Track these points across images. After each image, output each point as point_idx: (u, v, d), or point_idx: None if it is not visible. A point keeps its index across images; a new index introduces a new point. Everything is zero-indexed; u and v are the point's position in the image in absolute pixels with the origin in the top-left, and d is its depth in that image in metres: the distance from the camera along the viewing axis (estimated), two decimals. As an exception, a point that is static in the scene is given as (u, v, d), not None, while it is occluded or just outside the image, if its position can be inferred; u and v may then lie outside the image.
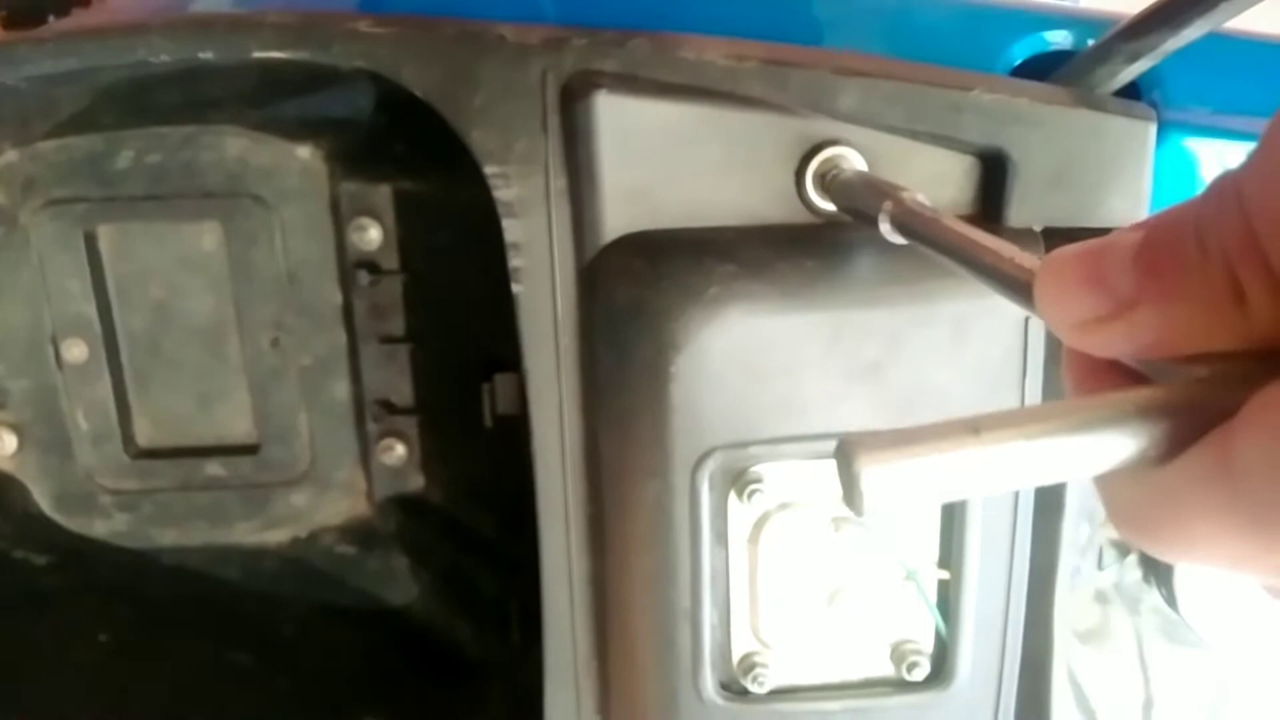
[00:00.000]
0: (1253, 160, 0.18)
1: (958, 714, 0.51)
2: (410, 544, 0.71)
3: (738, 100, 0.45)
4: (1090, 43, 0.50)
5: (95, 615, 0.69)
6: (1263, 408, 0.17)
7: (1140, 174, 0.45)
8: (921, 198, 0.38)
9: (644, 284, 0.45)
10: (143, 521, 0.68)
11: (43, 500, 0.67)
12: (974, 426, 0.19)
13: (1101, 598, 0.58)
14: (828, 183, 0.45)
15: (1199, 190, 0.19)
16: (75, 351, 0.63)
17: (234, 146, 0.60)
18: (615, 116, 0.44)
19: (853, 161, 0.45)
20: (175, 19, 0.47)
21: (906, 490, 0.19)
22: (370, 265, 0.63)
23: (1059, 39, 0.52)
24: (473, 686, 0.68)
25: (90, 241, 0.61)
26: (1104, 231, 0.22)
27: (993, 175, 0.46)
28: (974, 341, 0.46)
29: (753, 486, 0.47)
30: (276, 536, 0.69)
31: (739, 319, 0.45)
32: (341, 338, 0.64)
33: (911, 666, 0.50)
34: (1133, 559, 0.58)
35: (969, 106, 0.45)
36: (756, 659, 0.50)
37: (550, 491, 0.50)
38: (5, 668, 0.65)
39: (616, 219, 0.46)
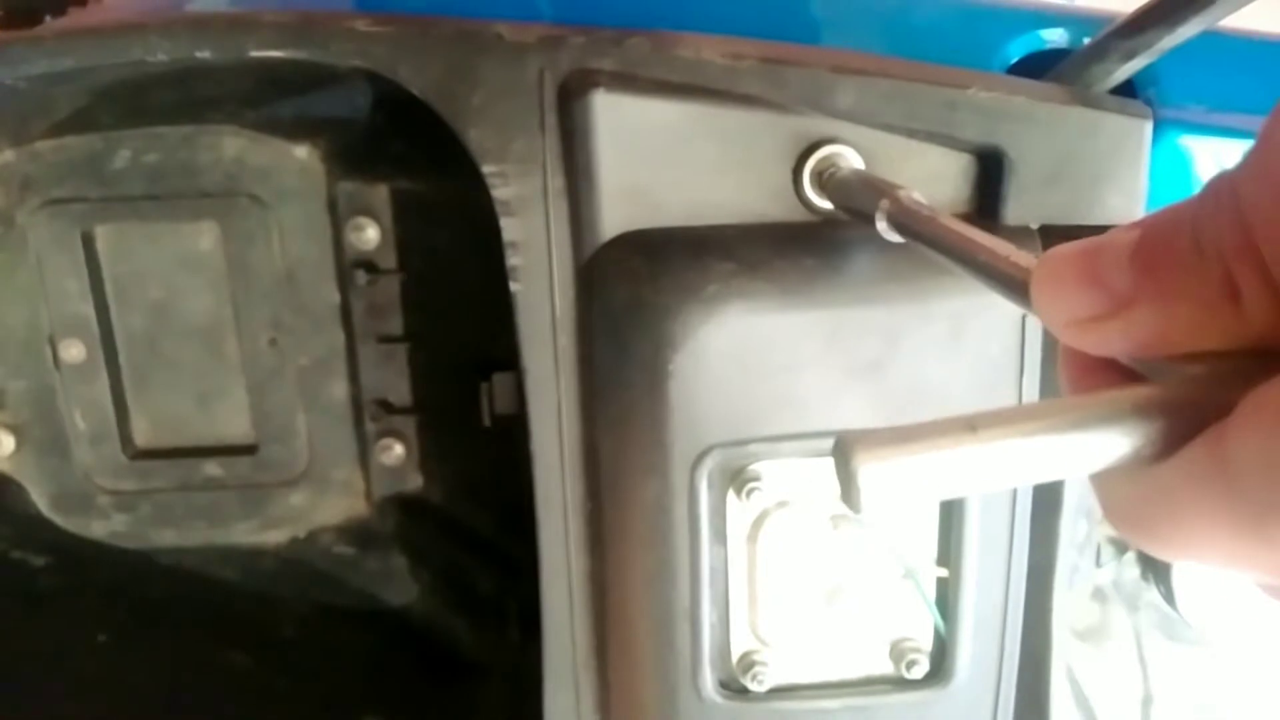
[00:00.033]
0: (1249, 160, 0.18)
1: (957, 711, 0.51)
2: (409, 544, 0.71)
3: (735, 99, 0.45)
4: (1086, 41, 0.50)
5: (93, 616, 0.69)
6: (1257, 406, 0.17)
7: (1136, 171, 0.45)
8: (918, 196, 0.38)
9: (642, 282, 0.45)
10: (141, 522, 0.68)
11: (41, 501, 0.67)
12: (971, 424, 0.19)
13: (1100, 595, 0.59)
14: (825, 181, 0.45)
15: (1195, 187, 0.19)
16: (73, 352, 0.63)
17: (231, 146, 0.60)
18: (613, 115, 0.44)
19: (850, 160, 0.45)
20: (172, 18, 0.47)
21: (904, 488, 0.19)
22: (368, 265, 0.63)
23: (1055, 37, 0.52)
24: (472, 686, 0.68)
25: (88, 241, 0.61)
26: (1101, 229, 0.22)
27: (989, 173, 0.46)
28: (972, 339, 0.46)
29: (751, 485, 0.47)
30: (275, 537, 0.69)
31: (737, 317, 0.45)
32: (339, 337, 0.64)
33: (911, 664, 0.50)
34: (1131, 556, 0.58)
35: (965, 104, 0.45)
36: (756, 657, 0.50)
37: (549, 490, 0.50)
38: (3, 668, 0.65)
39: (614, 217, 0.46)
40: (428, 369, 0.66)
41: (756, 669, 0.50)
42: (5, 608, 0.67)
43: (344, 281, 0.63)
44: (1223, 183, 0.19)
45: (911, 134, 0.46)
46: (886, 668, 0.51)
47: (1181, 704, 0.59)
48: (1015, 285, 0.27)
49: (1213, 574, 0.55)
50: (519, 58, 0.44)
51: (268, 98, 0.58)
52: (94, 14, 0.61)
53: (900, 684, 0.51)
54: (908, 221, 0.37)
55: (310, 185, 0.61)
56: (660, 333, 0.45)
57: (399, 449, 0.67)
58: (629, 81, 0.44)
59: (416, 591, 0.71)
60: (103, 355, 0.63)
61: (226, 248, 0.62)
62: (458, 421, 0.65)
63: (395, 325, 0.65)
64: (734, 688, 0.51)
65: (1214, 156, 0.48)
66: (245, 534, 0.69)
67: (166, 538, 0.68)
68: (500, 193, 0.46)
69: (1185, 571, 0.56)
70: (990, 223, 0.46)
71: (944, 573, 0.49)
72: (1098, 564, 0.57)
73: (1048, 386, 0.47)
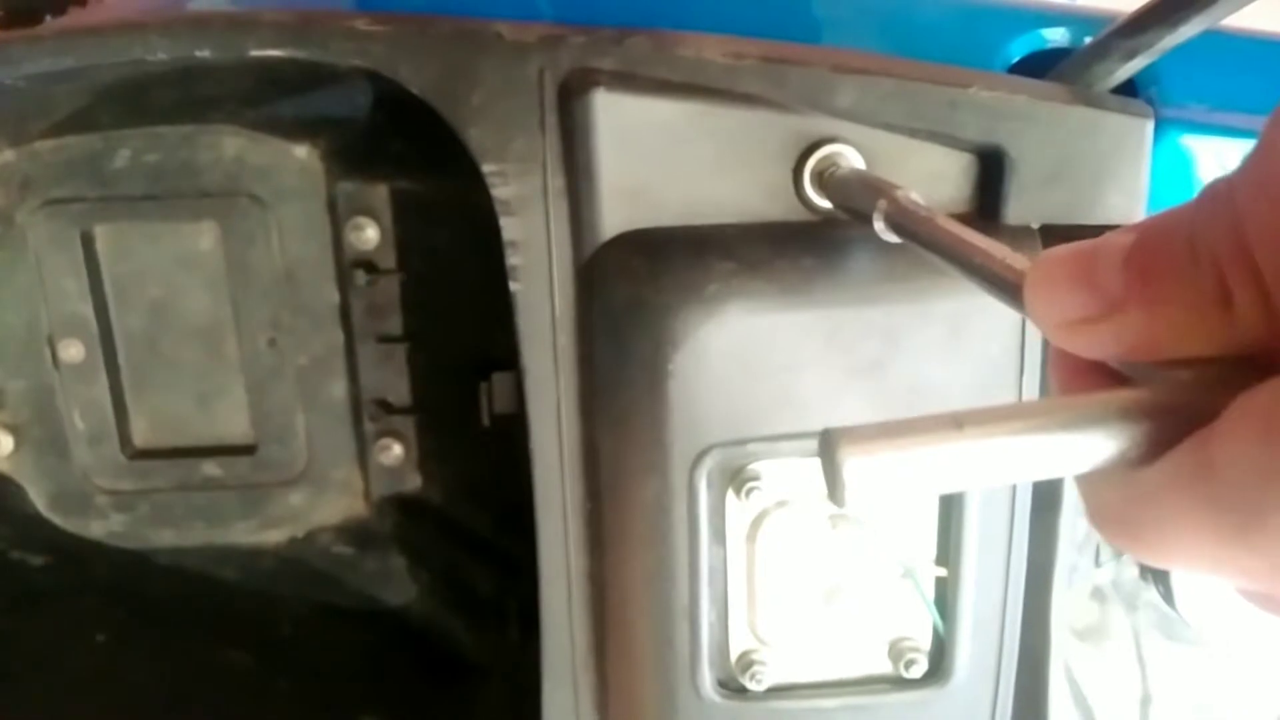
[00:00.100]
0: (1247, 165, 0.18)
1: (955, 711, 0.51)
2: (408, 543, 0.70)
3: (736, 98, 0.45)
4: (1087, 40, 0.50)
5: (92, 616, 0.69)
6: (1243, 411, 0.17)
7: (1138, 171, 0.45)
8: (916, 196, 0.38)
9: (642, 282, 0.45)
10: (140, 522, 0.68)
11: (39, 501, 0.67)
12: (957, 421, 0.19)
13: (1099, 595, 0.59)
14: (824, 180, 0.45)
15: (1197, 187, 0.19)
16: (72, 351, 0.63)
17: (231, 146, 0.60)
18: (613, 114, 0.44)
19: (850, 159, 0.45)
20: (172, 17, 0.47)
21: (888, 483, 0.19)
22: (367, 265, 0.63)
23: (1056, 36, 0.52)
24: (471, 686, 0.68)
25: (87, 241, 0.61)
26: (1102, 229, 0.22)
27: (990, 172, 0.46)
28: (972, 339, 0.46)
29: (751, 484, 0.47)
30: (274, 536, 0.69)
31: (737, 317, 0.45)
32: (339, 337, 0.64)
33: (909, 664, 0.50)
34: (1130, 556, 0.58)
35: (967, 104, 0.45)
36: (754, 657, 0.50)
37: (548, 490, 0.50)
38: (2, 668, 0.65)
39: (614, 217, 0.46)
40: (427, 369, 0.66)
41: (755, 668, 0.50)
42: (4, 607, 0.67)
43: (343, 281, 0.63)
44: (1220, 188, 0.19)
45: (912, 133, 0.46)
46: (885, 667, 0.51)
47: (1180, 704, 0.59)
48: (1009, 287, 0.27)
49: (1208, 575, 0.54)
50: (519, 57, 0.44)
51: (267, 97, 0.58)
52: (94, 13, 0.61)
53: (899, 683, 0.51)
54: (905, 222, 0.37)
55: (310, 185, 0.61)
56: (660, 332, 0.45)
57: (398, 449, 0.67)
58: (629, 81, 0.44)
59: (415, 591, 0.71)
60: (102, 355, 0.63)
61: (226, 247, 0.62)
62: (457, 421, 0.65)
63: (394, 325, 0.65)
64: (733, 687, 0.51)
65: (1215, 156, 0.48)
66: (244, 534, 0.68)
67: (165, 538, 0.68)
68: (500, 192, 0.46)
69: (1184, 572, 0.56)
70: (991, 222, 0.46)
71: (943, 572, 0.49)
72: (1096, 563, 0.57)
73: (1048, 387, 0.47)
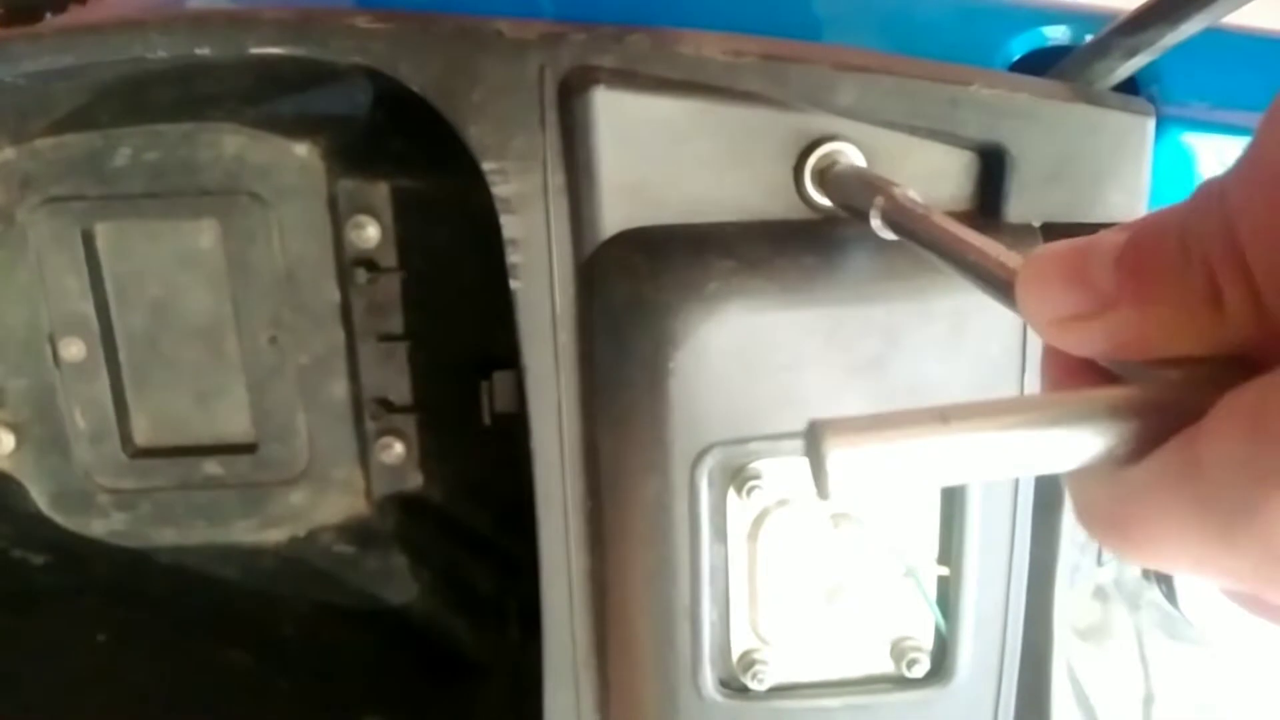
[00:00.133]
0: (1239, 164, 0.18)
1: (958, 710, 0.51)
2: (409, 542, 0.70)
3: (736, 95, 0.44)
4: (1089, 38, 0.50)
5: (93, 615, 0.69)
6: (1230, 410, 0.17)
7: (1139, 169, 0.45)
8: (913, 194, 0.38)
9: (643, 280, 0.45)
10: (141, 521, 0.68)
11: (40, 499, 0.67)
12: (944, 415, 0.19)
13: (1101, 594, 0.58)
14: (824, 178, 0.45)
15: (1197, 185, 0.19)
16: (73, 350, 0.63)
17: (232, 144, 0.60)
18: (613, 112, 0.44)
19: (851, 157, 0.45)
20: (172, 15, 0.47)
21: (873, 475, 0.19)
22: (368, 263, 0.63)
23: (1057, 34, 0.52)
24: (472, 685, 0.68)
25: (88, 239, 0.61)
26: (1103, 227, 0.22)
27: (991, 170, 0.46)
28: (973, 337, 0.46)
29: (752, 483, 0.47)
30: (275, 535, 0.69)
31: (738, 315, 0.44)
32: (340, 336, 0.64)
33: (911, 663, 0.50)
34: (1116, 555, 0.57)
35: (968, 101, 0.44)
36: (756, 656, 0.50)
37: (549, 489, 0.50)
38: (3, 666, 0.65)
39: (615, 215, 0.46)
40: (428, 367, 0.66)
41: (757, 667, 0.50)
42: (5, 607, 0.67)
43: (344, 280, 0.63)
44: (1213, 187, 0.19)
45: (913, 131, 0.45)
46: (887, 666, 0.51)
47: (1183, 703, 0.59)
48: (1003, 286, 0.27)
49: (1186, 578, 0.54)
50: (519, 54, 0.44)
51: (268, 95, 0.58)
52: (94, 11, 0.61)
53: (901, 683, 0.51)
54: (901, 220, 0.37)
55: (310, 183, 0.61)
56: (661, 330, 0.45)
57: (399, 448, 0.67)
58: (630, 78, 0.44)
59: (416, 590, 0.71)
60: (103, 353, 0.63)
61: (226, 246, 0.62)
62: (458, 420, 0.65)
63: (395, 323, 0.65)
64: (734, 686, 0.51)
65: (1216, 154, 0.48)
66: (245, 533, 0.68)
67: (166, 536, 0.68)
68: (500, 190, 0.46)
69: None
70: (992, 220, 0.46)
71: (945, 571, 0.49)
72: (1099, 562, 0.57)
73: (1041, 386, 0.47)
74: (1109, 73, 0.45)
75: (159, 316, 0.64)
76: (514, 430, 0.54)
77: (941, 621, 0.50)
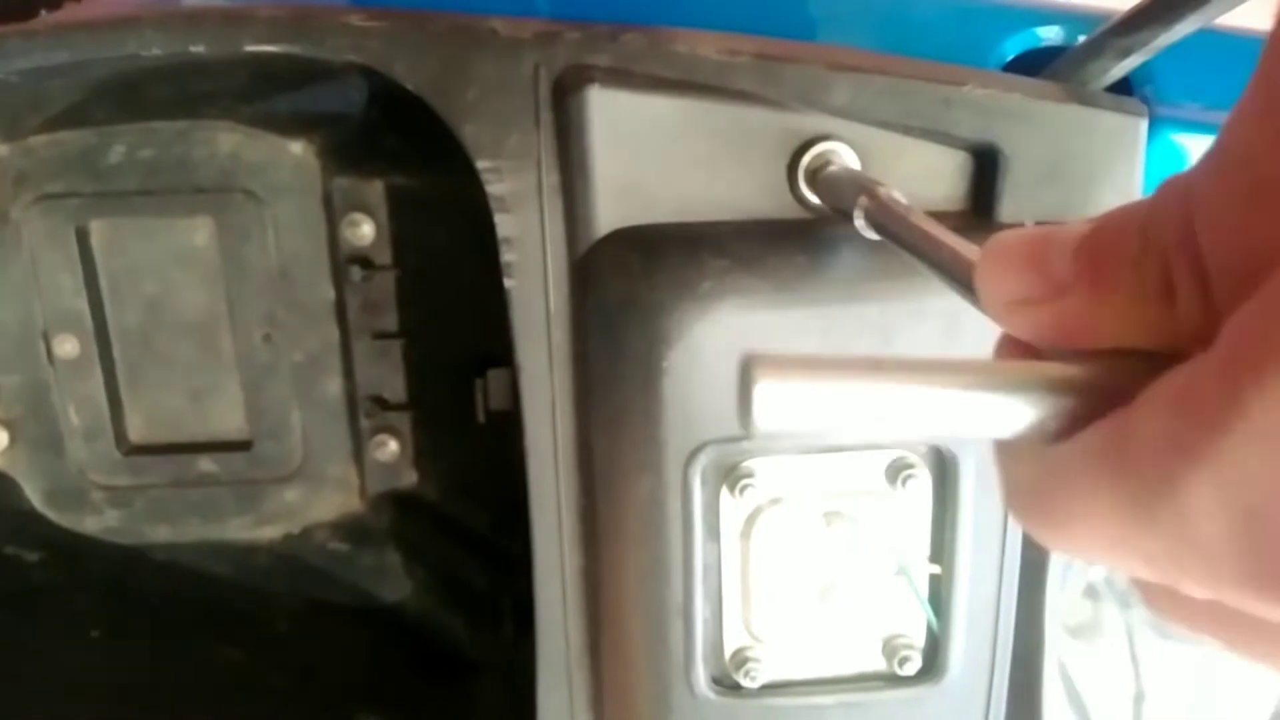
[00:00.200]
0: (1203, 159, 0.18)
1: (949, 708, 0.51)
2: (403, 540, 0.70)
3: (730, 95, 0.45)
4: (1082, 38, 0.50)
5: (87, 612, 0.69)
6: (1160, 390, 0.17)
7: (1132, 169, 0.45)
8: (898, 194, 0.38)
9: (636, 279, 0.45)
10: (135, 518, 0.68)
11: (34, 496, 0.67)
12: (878, 364, 0.19)
13: (1092, 593, 0.59)
14: (816, 178, 0.45)
15: (1161, 181, 0.20)
16: (67, 347, 0.63)
17: (226, 142, 0.60)
18: (608, 111, 0.44)
19: (844, 157, 0.45)
20: (167, 12, 0.47)
21: (797, 412, 0.19)
22: (363, 261, 0.63)
23: (1051, 35, 0.52)
24: (466, 682, 0.68)
25: (82, 237, 0.61)
26: None
27: (985, 170, 0.46)
28: (966, 337, 0.46)
29: (745, 481, 0.47)
30: (269, 533, 0.69)
31: (732, 314, 0.45)
32: (334, 333, 0.64)
33: (903, 661, 0.50)
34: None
35: (961, 102, 0.45)
36: (749, 654, 0.50)
37: (542, 487, 0.50)
38: (-3, 664, 0.65)
39: (609, 214, 0.46)
40: (422, 365, 0.66)
41: (749, 665, 0.50)
42: (-1, 603, 0.67)
43: (339, 277, 0.63)
44: (1176, 181, 0.19)
45: (907, 131, 0.46)
46: (879, 664, 0.51)
47: (1173, 701, 0.59)
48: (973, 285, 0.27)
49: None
50: (514, 53, 0.44)
51: (263, 93, 0.58)
52: (89, 8, 0.61)
53: (893, 680, 0.51)
54: (883, 220, 0.37)
55: (305, 181, 0.61)
56: (654, 329, 0.45)
57: (393, 445, 0.67)
58: (624, 77, 0.44)
59: (411, 588, 0.71)
60: (97, 351, 0.63)
61: (221, 243, 0.62)
62: (453, 418, 0.65)
63: (390, 321, 0.65)
64: (727, 684, 0.51)
65: (1208, 154, 0.48)
66: (239, 530, 0.68)
67: (160, 533, 0.68)
68: (495, 189, 0.46)
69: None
70: (985, 220, 0.46)
71: (937, 569, 0.49)
72: (1090, 561, 0.57)
73: None
74: (1102, 73, 0.45)
75: (153, 314, 0.64)
76: (509, 428, 0.54)
77: (933, 619, 0.50)
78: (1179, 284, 0.18)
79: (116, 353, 0.64)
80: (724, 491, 0.48)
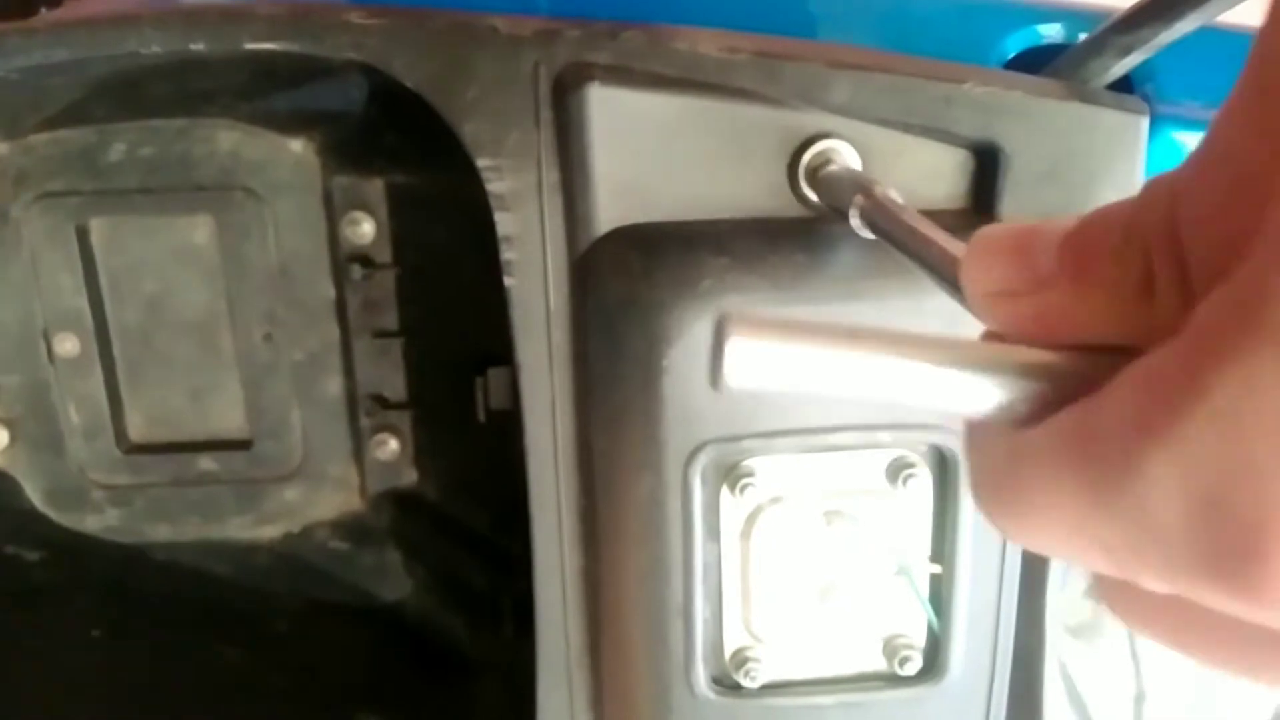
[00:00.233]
0: (1190, 157, 0.18)
1: (950, 708, 0.51)
2: (403, 539, 0.70)
3: (731, 93, 0.44)
4: (1083, 36, 0.50)
5: (87, 611, 0.69)
6: (1128, 375, 0.17)
7: (1133, 167, 0.45)
8: (894, 193, 0.38)
9: (636, 277, 0.45)
10: (135, 517, 0.68)
11: (34, 495, 0.67)
12: (854, 333, 0.19)
13: (1093, 592, 0.59)
14: (815, 177, 0.45)
15: (1148, 179, 0.20)
16: (67, 346, 0.63)
17: (226, 140, 0.60)
18: (608, 109, 0.44)
19: (844, 155, 0.45)
20: (166, 10, 0.46)
21: (768, 371, 0.18)
22: (363, 259, 0.63)
23: (1052, 32, 0.52)
24: (466, 682, 0.68)
25: (82, 235, 0.61)
26: None
27: (985, 168, 0.46)
28: (966, 336, 0.46)
29: (745, 480, 0.47)
30: (269, 532, 0.69)
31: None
32: (334, 332, 0.64)
33: (904, 661, 0.50)
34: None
35: (962, 100, 0.45)
36: (749, 654, 0.50)
37: (542, 486, 0.50)
38: (-4, 663, 0.65)
39: (609, 212, 0.46)
40: (423, 364, 0.66)
41: (749, 665, 0.50)
42: (-1, 602, 0.67)
43: (339, 276, 0.63)
44: (1163, 178, 0.19)
45: (907, 129, 0.46)
46: (880, 664, 0.51)
47: (1173, 701, 0.59)
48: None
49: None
50: (514, 51, 0.44)
51: (263, 91, 0.58)
52: (89, 6, 0.61)
53: (893, 680, 0.51)
54: (877, 219, 0.37)
55: (305, 179, 0.61)
56: (655, 327, 0.45)
57: (394, 444, 0.67)
58: (624, 75, 0.44)
59: (411, 587, 0.71)
60: (97, 349, 0.63)
61: (221, 241, 0.62)
62: (453, 417, 0.65)
63: (390, 320, 0.65)
64: (727, 684, 0.51)
65: (1210, 153, 0.48)
66: (239, 529, 0.68)
67: (160, 532, 0.68)
68: (495, 187, 0.45)
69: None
70: (986, 218, 0.46)
71: (937, 569, 0.49)
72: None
73: None
74: (1103, 71, 0.45)
75: (153, 312, 0.64)
76: (509, 427, 0.54)
77: (934, 619, 0.50)
78: (1159, 279, 0.18)
79: (116, 351, 0.64)
80: (724, 491, 0.48)
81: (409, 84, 0.44)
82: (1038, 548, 0.19)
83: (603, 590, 0.51)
